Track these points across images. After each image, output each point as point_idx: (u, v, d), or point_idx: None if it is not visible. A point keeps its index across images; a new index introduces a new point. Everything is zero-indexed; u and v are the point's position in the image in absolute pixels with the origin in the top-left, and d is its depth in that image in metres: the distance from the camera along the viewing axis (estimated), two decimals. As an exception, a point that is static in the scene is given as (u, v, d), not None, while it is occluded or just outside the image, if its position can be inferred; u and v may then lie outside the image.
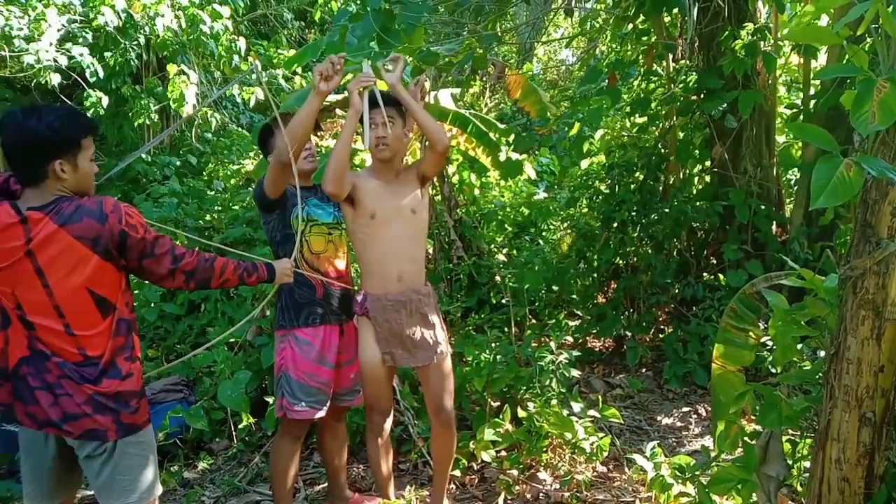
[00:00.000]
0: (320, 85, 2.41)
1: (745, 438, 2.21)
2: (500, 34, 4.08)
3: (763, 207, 4.66)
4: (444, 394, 2.72)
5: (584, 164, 5.93)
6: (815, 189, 1.44)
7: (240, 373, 3.63)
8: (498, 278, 5.36)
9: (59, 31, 5.80)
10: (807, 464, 2.23)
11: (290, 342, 2.64)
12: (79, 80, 6.45)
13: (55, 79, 5.86)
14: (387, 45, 3.12)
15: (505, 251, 6.06)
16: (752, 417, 3.39)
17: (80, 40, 6.33)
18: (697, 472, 2.46)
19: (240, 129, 9.23)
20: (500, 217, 6.25)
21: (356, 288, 2.83)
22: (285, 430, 2.74)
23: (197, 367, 3.89)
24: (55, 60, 5.76)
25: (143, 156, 7.80)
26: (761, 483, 2.02)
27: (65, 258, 1.84)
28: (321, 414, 2.68)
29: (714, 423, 2.47)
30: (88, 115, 6.81)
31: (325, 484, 3.23)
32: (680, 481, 2.56)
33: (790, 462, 2.17)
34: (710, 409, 4.16)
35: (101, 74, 6.27)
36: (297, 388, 2.62)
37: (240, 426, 3.62)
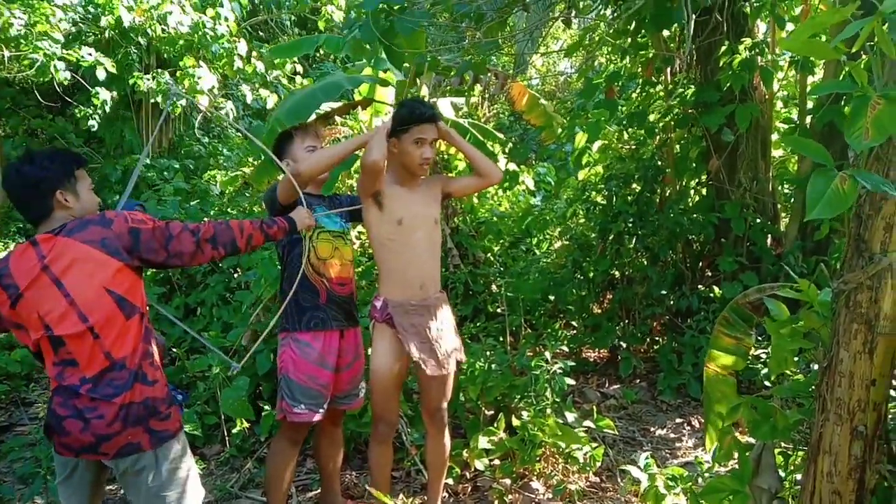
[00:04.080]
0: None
1: (739, 450, 2.21)
2: (499, 42, 4.12)
3: (759, 220, 4.70)
4: (442, 399, 2.74)
5: (581, 175, 5.96)
6: (811, 201, 1.45)
7: (239, 379, 3.63)
8: (494, 287, 5.37)
9: (63, 31, 5.82)
10: (799, 476, 2.24)
11: (291, 344, 2.66)
12: (81, 81, 6.47)
13: (65, 75, 5.87)
14: (389, 49, 3.14)
15: (501, 260, 6.07)
16: (745, 430, 3.40)
17: (89, 39, 6.37)
18: (690, 484, 2.47)
19: (237, 134, 9.25)
20: (496, 227, 6.27)
21: (359, 293, 2.87)
22: (284, 433, 2.74)
23: (192, 371, 3.88)
24: (62, 58, 5.77)
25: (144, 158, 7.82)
26: (753, 495, 2.03)
27: (78, 263, 1.92)
28: (318, 417, 2.68)
29: (706, 426, 2.48)
30: (81, 129, 6.82)
31: (318, 490, 3.22)
32: (673, 492, 2.56)
33: (782, 474, 2.18)
34: (703, 420, 4.16)
35: (109, 71, 6.27)
36: (296, 391, 2.63)
37: (233, 431, 3.61)
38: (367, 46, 3.05)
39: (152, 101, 6.93)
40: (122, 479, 2.03)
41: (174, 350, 4.32)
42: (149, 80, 6.80)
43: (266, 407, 3.57)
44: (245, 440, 3.71)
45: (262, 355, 3.75)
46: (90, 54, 5.99)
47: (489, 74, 4.76)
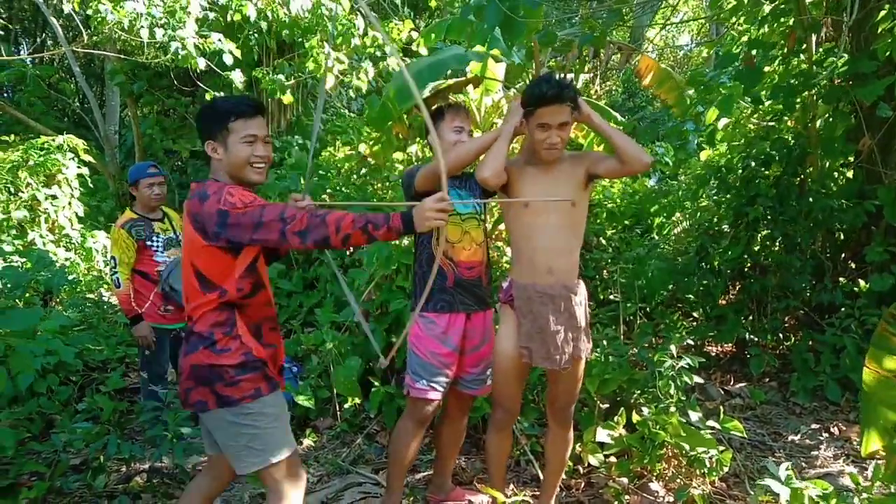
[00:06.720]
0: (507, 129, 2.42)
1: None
2: (622, 13, 3.84)
3: (918, 208, 4.17)
4: (570, 397, 2.60)
5: (704, 155, 5.55)
6: None
7: (350, 359, 3.68)
8: (606, 273, 5.12)
9: (195, 19, 6.10)
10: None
11: (418, 321, 2.67)
12: (212, 66, 6.78)
13: (201, 63, 6.17)
14: (511, 30, 3.02)
15: (614, 245, 5.79)
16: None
17: (214, 25, 6.65)
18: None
19: (352, 114, 9.43)
20: (610, 209, 5.98)
21: (492, 278, 2.84)
22: (409, 411, 2.73)
23: (306, 344, 3.97)
24: (196, 46, 6.06)
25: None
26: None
27: (186, 232, 2.08)
28: (437, 395, 2.64)
29: (863, 432, 2.19)
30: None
31: (427, 472, 3.20)
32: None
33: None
34: (843, 428, 3.76)
35: (234, 56, 6.52)
36: (418, 366, 2.63)
37: (345, 406, 3.66)
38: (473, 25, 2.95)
39: (275, 97, 7.15)
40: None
41: (290, 322, 4.46)
42: (269, 70, 7.01)
43: (376, 383, 3.58)
44: (356, 415, 3.76)
45: (374, 335, 3.76)
46: (220, 40, 6.23)
47: (613, 47, 4.49)
